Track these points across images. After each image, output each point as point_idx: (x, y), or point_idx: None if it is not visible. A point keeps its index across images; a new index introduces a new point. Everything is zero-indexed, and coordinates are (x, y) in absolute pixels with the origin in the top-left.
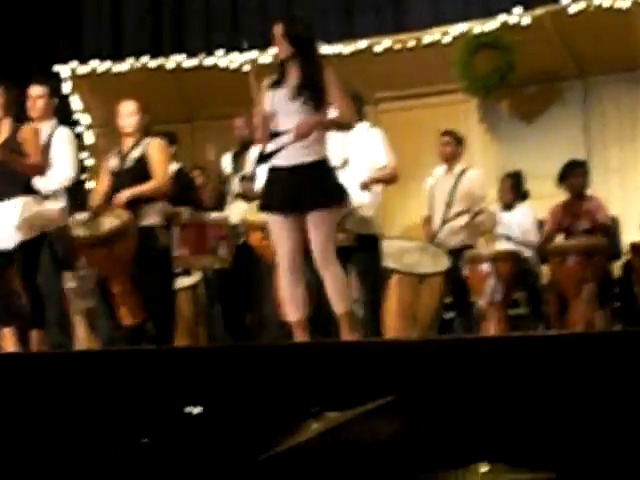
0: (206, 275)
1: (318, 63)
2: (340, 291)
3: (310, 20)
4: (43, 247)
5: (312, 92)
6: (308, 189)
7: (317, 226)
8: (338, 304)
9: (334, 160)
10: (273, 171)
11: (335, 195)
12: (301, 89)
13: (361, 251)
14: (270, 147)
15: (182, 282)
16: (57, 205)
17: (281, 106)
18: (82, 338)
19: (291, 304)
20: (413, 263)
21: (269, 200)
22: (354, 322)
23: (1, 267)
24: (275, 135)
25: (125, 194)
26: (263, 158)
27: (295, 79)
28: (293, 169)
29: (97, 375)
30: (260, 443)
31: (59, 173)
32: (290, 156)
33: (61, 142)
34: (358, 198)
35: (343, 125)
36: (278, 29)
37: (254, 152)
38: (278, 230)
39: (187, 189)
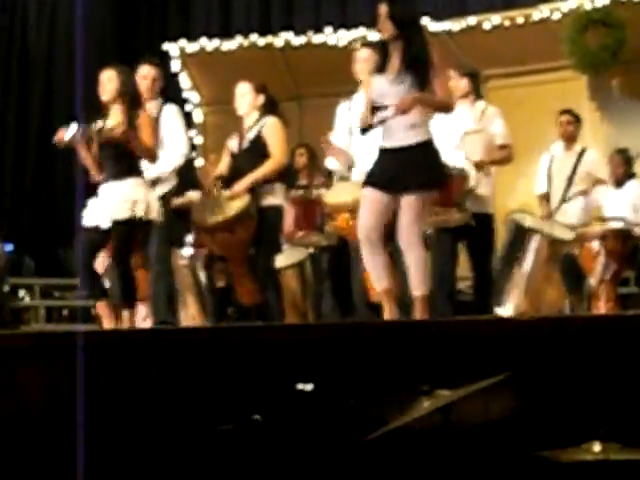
0: (314, 252)
1: (423, 44)
2: (421, 274)
3: None
4: (150, 226)
5: (416, 73)
6: (408, 170)
7: (408, 209)
8: (417, 287)
9: (448, 137)
10: (381, 151)
11: (434, 178)
12: (405, 71)
13: (477, 230)
14: (380, 115)
15: (288, 259)
16: (164, 189)
17: (386, 89)
18: (193, 315)
19: (375, 275)
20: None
21: (372, 177)
22: (428, 305)
23: (91, 241)
24: (377, 109)
25: (243, 184)
26: (364, 130)
27: (399, 61)
28: (398, 150)
29: (207, 352)
30: (371, 421)
31: (172, 151)
32: (396, 137)
33: (171, 120)
34: (475, 176)
35: (444, 106)
36: (382, 9)
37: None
38: (367, 200)
39: (287, 167)
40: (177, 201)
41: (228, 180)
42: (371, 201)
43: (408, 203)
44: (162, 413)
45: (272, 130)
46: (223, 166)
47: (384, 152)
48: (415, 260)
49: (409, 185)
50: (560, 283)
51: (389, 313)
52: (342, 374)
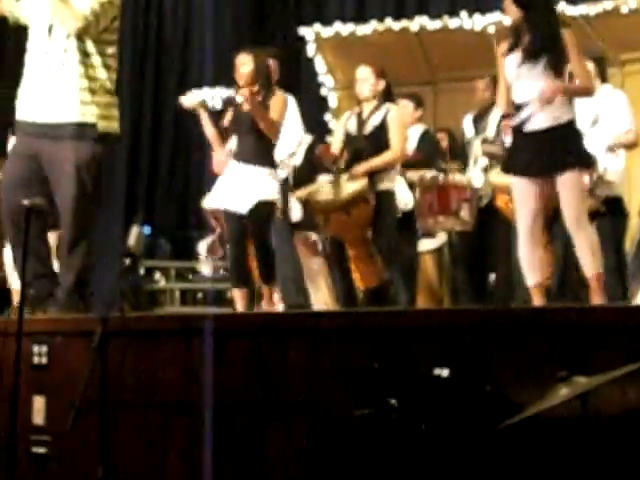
0: (450, 237)
1: (553, 26)
2: (593, 253)
3: None
4: (275, 210)
5: (547, 55)
6: (558, 151)
7: (571, 187)
8: (590, 266)
9: (580, 123)
10: (519, 134)
11: (585, 157)
12: (535, 53)
13: (608, 215)
14: (516, 120)
15: (426, 245)
16: (281, 175)
17: (520, 71)
18: (323, 298)
19: (529, 267)
20: None
21: (515, 163)
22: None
23: (237, 230)
24: (518, 108)
25: (363, 167)
26: (514, 131)
27: (528, 43)
28: (541, 132)
29: (337, 335)
30: (507, 408)
31: (287, 139)
32: (537, 119)
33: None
34: (604, 162)
35: (584, 91)
36: None
37: (495, 115)
38: (522, 192)
39: (433, 151)
40: (310, 187)
41: (349, 163)
42: (526, 191)
43: (573, 182)
44: (295, 399)
45: (396, 121)
46: (337, 144)
47: (523, 134)
48: (586, 239)
49: (564, 164)
50: None
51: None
52: (479, 360)
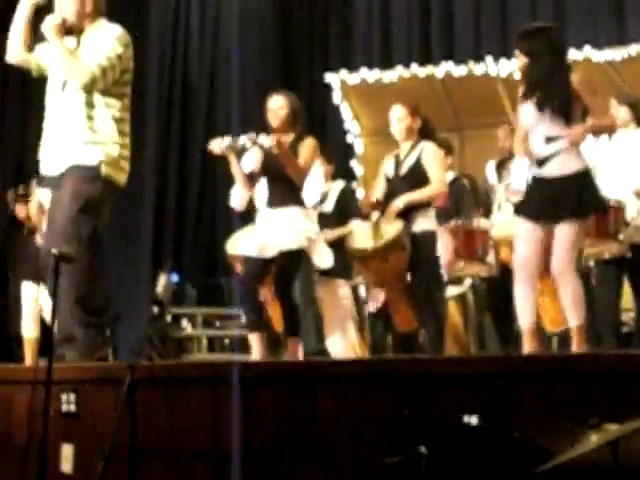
0: (474, 283)
1: (558, 75)
2: (575, 303)
3: (557, 28)
4: (302, 259)
5: (553, 104)
6: (562, 199)
7: (563, 236)
8: (572, 316)
9: (608, 166)
10: (535, 180)
11: (588, 207)
12: (541, 102)
13: (636, 260)
14: (542, 153)
15: (451, 290)
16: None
17: (532, 117)
18: (351, 344)
19: (521, 308)
20: None
21: (525, 206)
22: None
23: (253, 274)
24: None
25: (401, 201)
26: (538, 164)
27: (543, 97)
28: (554, 179)
29: (366, 382)
30: (537, 454)
31: (318, 183)
32: (552, 167)
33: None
34: (634, 207)
35: (607, 127)
36: (520, 46)
37: (518, 162)
38: (523, 233)
39: (462, 199)
40: (340, 231)
41: (384, 206)
42: (526, 232)
43: (562, 232)
44: (323, 447)
45: (432, 157)
46: (379, 191)
47: (538, 181)
48: (570, 288)
49: (563, 214)
50: None
51: (530, 348)
52: (508, 407)
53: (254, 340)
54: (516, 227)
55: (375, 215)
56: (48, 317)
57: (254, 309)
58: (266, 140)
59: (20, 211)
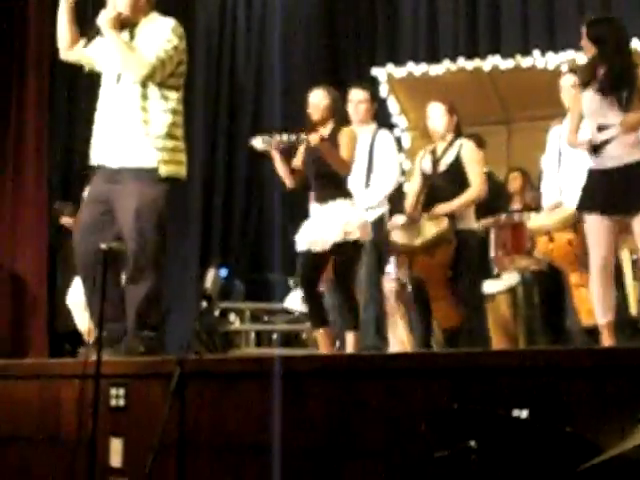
0: (524, 277)
1: (626, 61)
2: None
3: (620, 20)
4: (361, 251)
5: (620, 91)
6: (633, 190)
7: None
8: None
9: None
10: (595, 172)
11: None
12: (609, 87)
13: None
14: (599, 138)
15: (500, 285)
16: (376, 214)
17: (594, 106)
18: (403, 340)
19: (601, 306)
20: None
21: (590, 200)
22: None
23: (315, 269)
24: (594, 145)
25: (443, 209)
26: (593, 150)
27: (602, 79)
28: (618, 170)
29: (414, 377)
30: (587, 449)
31: (385, 176)
32: (614, 156)
33: (384, 146)
34: None
35: None
36: (583, 30)
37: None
38: (597, 231)
39: (496, 193)
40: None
41: (426, 202)
42: (599, 229)
43: None
44: (372, 442)
45: (471, 156)
46: (416, 186)
47: (600, 172)
48: None
49: (637, 204)
50: None
51: (609, 343)
52: (558, 401)
53: (320, 336)
54: (586, 226)
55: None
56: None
57: (313, 306)
58: (307, 137)
59: (67, 220)
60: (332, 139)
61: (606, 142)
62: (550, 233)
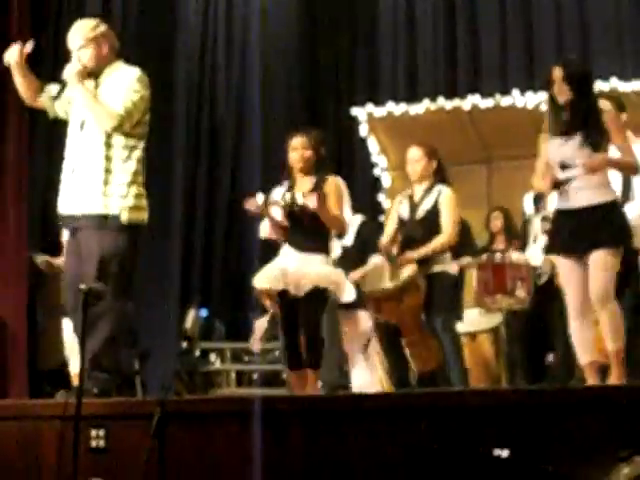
0: (506, 316)
1: (595, 104)
2: (614, 330)
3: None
4: (328, 297)
5: (586, 132)
6: (594, 228)
7: (597, 266)
8: (611, 342)
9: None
10: (560, 213)
11: (621, 236)
12: (578, 132)
13: None
14: (561, 176)
15: (483, 324)
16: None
17: (561, 150)
18: (382, 380)
19: (580, 346)
20: None
21: (554, 242)
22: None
23: (291, 314)
24: (564, 167)
25: (414, 255)
26: (556, 186)
27: (572, 122)
28: (579, 211)
29: (394, 417)
30: None
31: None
32: (580, 198)
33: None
34: None
35: (628, 165)
36: (557, 72)
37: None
38: (565, 272)
39: (464, 238)
40: (363, 270)
41: (401, 248)
42: (568, 270)
43: (597, 259)
44: None
45: (448, 203)
46: (391, 230)
47: (564, 213)
48: (609, 316)
49: (597, 242)
50: None
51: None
52: (539, 440)
53: (294, 378)
54: (558, 265)
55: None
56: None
57: (295, 349)
58: (303, 198)
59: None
60: (317, 189)
61: (568, 181)
62: None
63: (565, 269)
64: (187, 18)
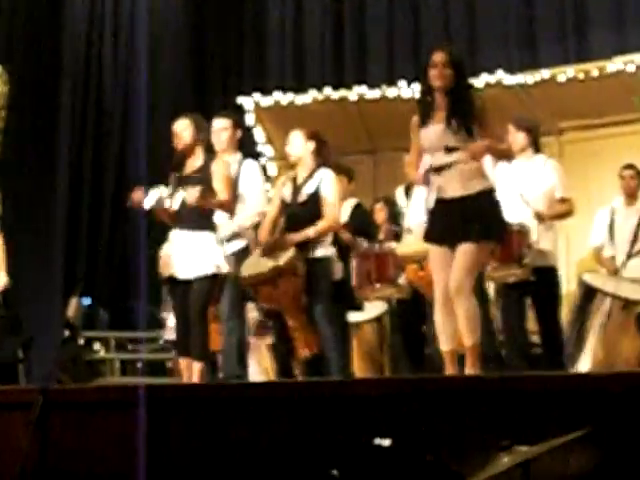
0: (390, 305)
1: (471, 92)
2: (471, 323)
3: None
4: (221, 284)
5: (463, 121)
6: (467, 220)
7: (463, 254)
8: (468, 336)
9: (507, 191)
10: (438, 203)
11: (493, 229)
12: (453, 119)
13: (539, 284)
14: (440, 162)
15: (366, 313)
16: (240, 245)
17: (435, 139)
18: (267, 369)
19: (442, 333)
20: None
21: (430, 231)
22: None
23: (181, 296)
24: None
25: (295, 238)
26: (435, 170)
27: (446, 110)
28: (456, 200)
29: (276, 406)
30: (449, 477)
31: (250, 208)
32: (455, 187)
33: (250, 177)
34: (537, 231)
35: (508, 153)
36: (440, 56)
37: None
38: (433, 259)
39: (364, 225)
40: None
41: (282, 229)
42: (439, 258)
43: (463, 251)
44: (234, 468)
45: (329, 188)
46: (273, 212)
47: (441, 203)
48: (464, 309)
49: (467, 235)
50: (637, 337)
51: (451, 372)
52: (420, 429)
53: (184, 365)
54: (430, 253)
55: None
56: None
57: (186, 335)
58: (186, 195)
59: None
60: (204, 171)
61: (443, 168)
62: (421, 261)
63: (434, 256)
64: (74, 6)
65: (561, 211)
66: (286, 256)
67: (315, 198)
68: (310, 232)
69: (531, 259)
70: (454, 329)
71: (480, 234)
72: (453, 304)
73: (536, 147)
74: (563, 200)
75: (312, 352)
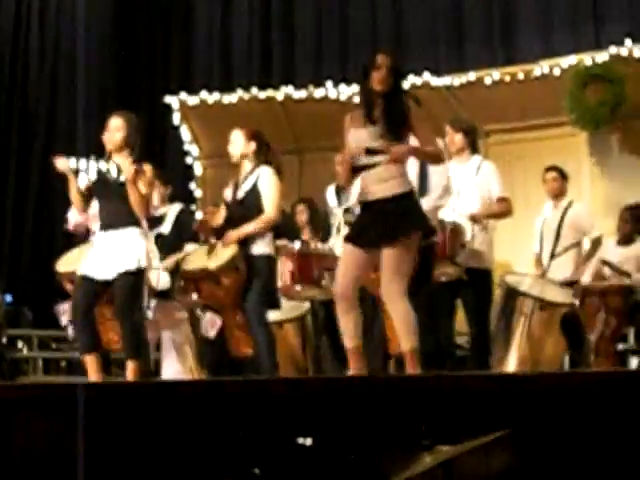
0: (313, 306)
1: (403, 97)
2: (407, 327)
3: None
4: (144, 278)
5: (395, 126)
6: (385, 223)
7: (385, 260)
8: (405, 340)
9: (436, 191)
10: (361, 204)
11: (412, 223)
12: (383, 122)
13: (472, 285)
14: (362, 163)
15: (289, 313)
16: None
17: (361, 141)
18: (191, 368)
19: (343, 331)
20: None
21: (351, 233)
22: (420, 359)
23: (95, 295)
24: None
25: (234, 235)
26: (355, 171)
27: (380, 113)
28: (375, 202)
29: (204, 405)
30: (371, 476)
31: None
32: (373, 190)
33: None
34: (471, 232)
35: (435, 156)
36: (385, 60)
37: (356, 186)
38: (343, 256)
39: (287, 227)
40: (176, 256)
41: (222, 229)
42: (348, 256)
43: (387, 255)
44: (161, 467)
45: (267, 183)
46: (221, 217)
47: (364, 206)
48: (400, 313)
49: (386, 237)
50: (560, 338)
51: (355, 370)
52: (342, 428)
53: (89, 361)
54: (342, 249)
55: (213, 239)
56: None
57: (88, 331)
58: (118, 169)
59: None
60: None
61: (366, 168)
62: None
63: (345, 253)
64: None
65: (498, 211)
66: (230, 252)
67: (252, 194)
68: (249, 228)
69: (464, 259)
70: (355, 326)
71: (401, 232)
72: (346, 303)
73: (474, 148)
74: (500, 200)
75: (246, 352)
